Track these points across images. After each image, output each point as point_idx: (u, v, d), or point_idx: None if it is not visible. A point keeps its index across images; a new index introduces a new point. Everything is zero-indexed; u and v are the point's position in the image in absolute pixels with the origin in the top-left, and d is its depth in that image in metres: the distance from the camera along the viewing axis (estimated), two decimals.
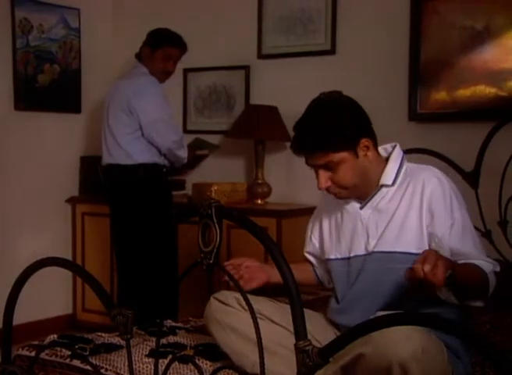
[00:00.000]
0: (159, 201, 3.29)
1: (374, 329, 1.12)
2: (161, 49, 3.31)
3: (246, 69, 3.78)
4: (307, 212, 2.14)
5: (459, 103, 3.16)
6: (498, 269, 1.78)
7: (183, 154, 3.36)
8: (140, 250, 3.23)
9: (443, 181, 1.83)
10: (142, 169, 3.25)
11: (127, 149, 3.24)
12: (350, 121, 1.81)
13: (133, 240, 3.26)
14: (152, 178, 3.28)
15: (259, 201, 3.60)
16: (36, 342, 2.16)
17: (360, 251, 1.88)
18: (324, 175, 1.82)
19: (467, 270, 1.71)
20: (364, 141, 1.82)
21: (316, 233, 2.05)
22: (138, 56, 3.40)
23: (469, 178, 2.93)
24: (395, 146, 1.93)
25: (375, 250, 1.84)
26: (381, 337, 1.44)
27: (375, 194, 1.87)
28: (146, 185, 3.26)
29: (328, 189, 1.85)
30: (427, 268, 1.50)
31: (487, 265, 1.75)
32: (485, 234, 2.85)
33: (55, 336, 2.18)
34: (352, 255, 1.89)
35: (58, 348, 2.04)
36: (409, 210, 1.82)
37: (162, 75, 3.35)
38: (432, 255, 1.54)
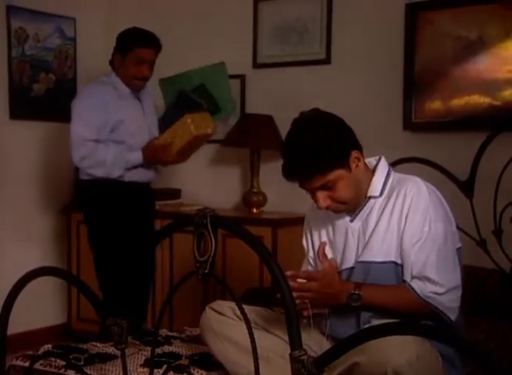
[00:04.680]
0: (113, 218, 3.04)
1: (369, 339, 1.12)
2: (132, 53, 3.02)
3: (241, 78, 3.79)
4: (303, 221, 2.14)
5: (453, 112, 3.18)
6: (441, 290, 1.75)
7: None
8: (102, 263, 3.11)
9: (423, 192, 1.82)
10: (92, 183, 3.05)
11: None
12: (337, 138, 1.81)
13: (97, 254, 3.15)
14: (104, 193, 3.05)
15: (254, 210, 3.61)
16: (30, 352, 2.16)
17: (350, 263, 1.88)
18: (322, 195, 1.83)
19: (383, 293, 1.77)
20: (354, 153, 1.84)
21: (311, 253, 2.03)
22: (111, 63, 3.13)
23: (464, 187, 2.93)
24: (379, 158, 1.94)
25: (360, 260, 1.85)
26: (375, 346, 1.43)
27: (364, 205, 1.88)
28: (98, 201, 3.06)
29: (327, 207, 1.86)
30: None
31: (423, 287, 1.75)
32: (480, 243, 2.85)
33: (50, 346, 2.17)
34: (343, 267, 1.89)
35: (53, 358, 2.04)
36: (391, 219, 1.83)
37: (136, 81, 3.07)
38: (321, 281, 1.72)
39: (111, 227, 3.05)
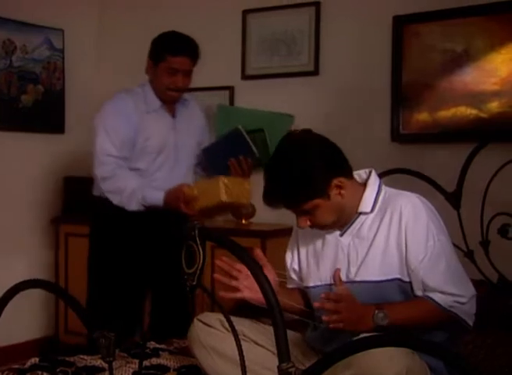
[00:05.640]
0: (120, 243, 2.81)
1: (357, 350, 1.12)
2: (165, 61, 2.71)
3: (230, 89, 3.80)
4: (286, 232, 2.14)
5: (441, 124, 3.20)
6: (463, 300, 1.77)
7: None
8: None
9: (419, 207, 1.82)
10: (105, 201, 2.79)
11: None
12: (318, 168, 1.79)
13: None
14: (117, 215, 2.77)
15: (243, 222, 3.60)
16: (17, 365, 2.14)
17: (342, 278, 1.87)
18: (302, 218, 1.85)
19: (404, 309, 1.77)
20: (336, 182, 1.82)
21: (296, 266, 2.04)
22: (146, 70, 2.86)
23: (451, 198, 2.94)
24: (370, 172, 1.93)
25: (358, 279, 1.83)
26: (364, 359, 1.44)
27: (354, 221, 1.88)
28: (108, 222, 2.85)
29: (310, 226, 1.87)
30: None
31: (444, 298, 1.76)
32: (468, 254, 2.86)
33: (37, 359, 2.15)
34: (332, 282, 1.88)
35: (40, 372, 2.02)
36: (388, 237, 1.82)
37: (170, 92, 2.77)
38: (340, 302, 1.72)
39: (115, 252, 2.82)
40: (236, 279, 1.86)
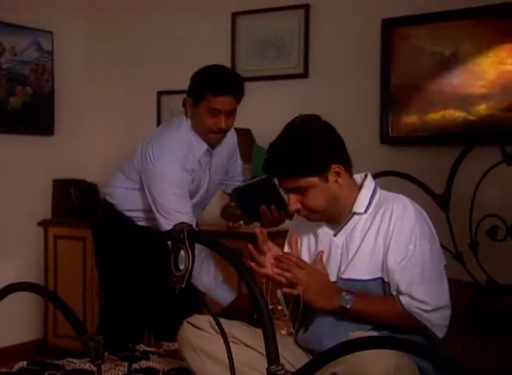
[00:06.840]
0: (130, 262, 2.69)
1: (346, 352, 1.13)
2: (206, 101, 2.43)
3: None
4: (281, 235, 2.14)
5: (429, 127, 3.21)
6: (428, 308, 1.76)
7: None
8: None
9: (409, 211, 1.83)
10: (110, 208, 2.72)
11: None
12: (320, 147, 1.83)
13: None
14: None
15: (233, 224, 3.60)
16: (4, 369, 2.12)
17: (333, 277, 1.88)
18: (294, 198, 1.86)
19: (372, 302, 1.79)
20: (335, 167, 1.84)
21: None
22: (184, 104, 2.63)
23: (440, 201, 2.96)
24: (366, 175, 1.95)
25: (344, 277, 1.85)
26: (354, 356, 1.43)
27: (348, 221, 1.89)
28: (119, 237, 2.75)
29: (297, 211, 1.88)
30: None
31: (409, 302, 1.75)
32: (456, 257, 2.88)
33: (25, 363, 2.14)
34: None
35: None
36: (377, 238, 1.83)
37: (212, 135, 2.52)
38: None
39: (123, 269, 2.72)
40: (264, 255, 1.88)
